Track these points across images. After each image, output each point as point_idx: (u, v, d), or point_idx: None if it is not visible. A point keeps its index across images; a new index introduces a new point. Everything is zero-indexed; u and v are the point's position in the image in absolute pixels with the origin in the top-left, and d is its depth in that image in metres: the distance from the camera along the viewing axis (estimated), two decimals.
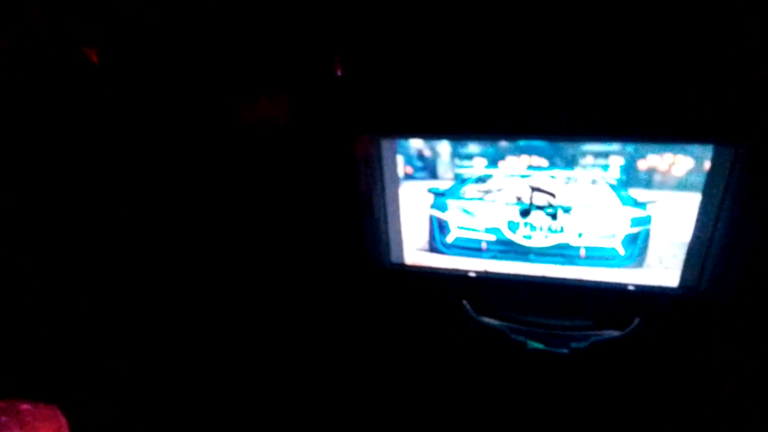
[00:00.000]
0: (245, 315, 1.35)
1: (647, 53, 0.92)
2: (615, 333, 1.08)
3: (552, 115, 0.98)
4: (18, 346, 1.26)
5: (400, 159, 1.11)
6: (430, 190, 1.13)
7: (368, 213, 1.18)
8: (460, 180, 1.09)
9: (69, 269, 1.30)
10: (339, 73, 1.07)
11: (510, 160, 1.04)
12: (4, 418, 1.04)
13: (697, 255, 1.03)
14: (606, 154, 0.98)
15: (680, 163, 0.96)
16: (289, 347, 1.36)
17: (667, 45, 0.90)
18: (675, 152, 0.95)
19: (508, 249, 1.15)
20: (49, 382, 1.23)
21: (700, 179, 0.96)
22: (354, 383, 1.32)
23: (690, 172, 0.96)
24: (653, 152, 0.96)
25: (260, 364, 1.37)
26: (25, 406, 1.07)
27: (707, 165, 0.94)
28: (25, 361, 1.26)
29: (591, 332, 1.09)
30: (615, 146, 0.97)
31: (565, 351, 1.08)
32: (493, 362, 1.17)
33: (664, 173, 0.97)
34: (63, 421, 1.09)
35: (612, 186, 1.01)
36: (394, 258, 1.25)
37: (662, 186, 0.99)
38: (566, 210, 1.06)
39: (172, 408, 1.34)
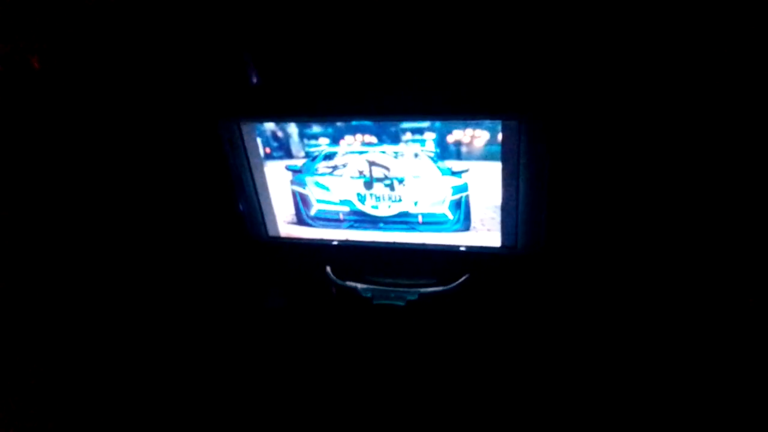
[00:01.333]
0: (143, 302, 1.50)
1: (442, 49, 1.11)
2: (443, 288, 1.26)
3: (371, 98, 1.16)
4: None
5: (258, 141, 1.28)
6: (287, 168, 1.30)
7: (241, 191, 1.35)
8: (311, 157, 1.27)
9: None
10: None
11: (347, 138, 1.21)
12: None
13: (509, 217, 1.21)
14: (421, 131, 1.17)
15: (480, 137, 1.14)
16: (183, 319, 1.50)
17: (458, 41, 1.09)
18: (473, 127, 1.13)
19: (361, 219, 1.32)
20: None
21: (497, 149, 1.14)
22: (238, 338, 1.47)
23: (489, 144, 1.14)
24: (457, 128, 1.14)
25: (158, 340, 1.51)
26: None
27: (500, 137, 1.13)
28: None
29: (423, 288, 1.27)
30: (426, 124, 1.15)
31: (399, 302, 1.25)
32: (349, 317, 1.34)
33: (469, 146, 1.16)
34: None
35: (431, 158, 1.19)
36: (270, 231, 1.41)
37: (471, 157, 1.17)
38: (400, 181, 1.24)
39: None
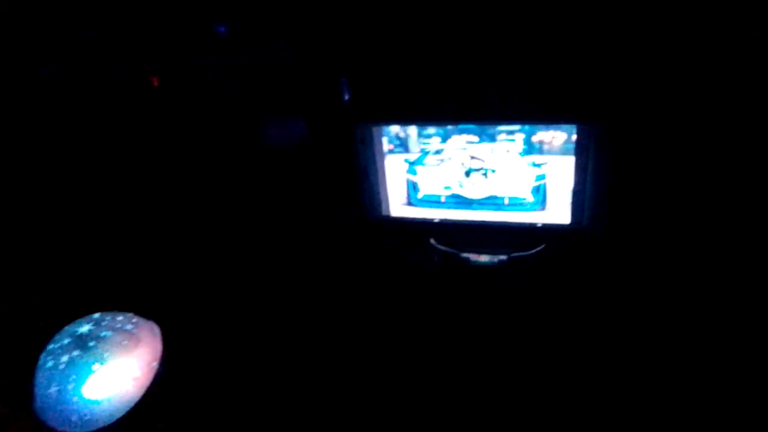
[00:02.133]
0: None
1: (531, 72, 1.50)
2: (525, 253, 1.63)
3: (476, 108, 1.56)
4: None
5: (384, 140, 1.69)
6: (405, 161, 1.70)
7: (365, 179, 1.76)
8: (424, 153, 1.67)
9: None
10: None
11: (454, 138, 1.61)
12: (93, 341, 1.51)
13: (577, 199, 1.58)
14: (512, 132, 1.56)
15: (558, 137, 1.52)
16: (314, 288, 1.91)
17: (545, 67, 1.49)
18: (554, 130, 1.52)
19: (458, 201, 1.71)
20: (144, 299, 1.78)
21: (572, 147, 1.52)
22: (357, 299, 1.86)
23: (566, 143, 1.52)
24: (541, 130, 1.53)
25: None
26: (123, 323, 1.55)
27: (574, 137, 1.51)
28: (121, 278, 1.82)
29: (510, 253, 1.64)
30: (517, 127, 1.54)
31: (493, 263, 1.63)
32: (450, 276, 1.72)
33: (549, 144, 1.54)
34: (159, 334, 1.56)
35: (519, 153, 1.58)
36: (383, 212, 1.81)
37: (550, 152, 1.55)
38: (493, 171, 1.63)
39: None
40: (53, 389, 1.42)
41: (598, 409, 1.42)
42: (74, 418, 1.38)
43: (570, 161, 1.54)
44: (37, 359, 1.46)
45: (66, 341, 1.50)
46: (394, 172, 1.73)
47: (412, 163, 1.70)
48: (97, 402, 1.41)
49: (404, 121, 1.64)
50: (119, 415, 1.41)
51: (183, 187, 1.87)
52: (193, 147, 1.85)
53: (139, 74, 1.95)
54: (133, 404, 1.43)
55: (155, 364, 1.48)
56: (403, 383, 1.56)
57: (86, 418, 1.39)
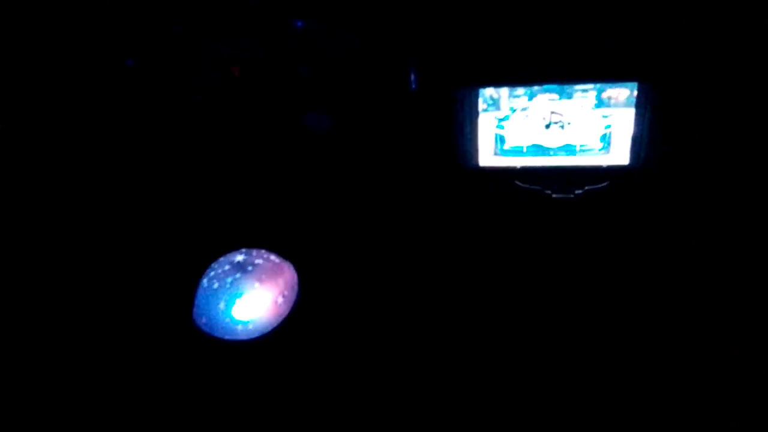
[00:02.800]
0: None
1: (600, 41, 1.95)
2: (595, 186, 2.06)
3: (556, 70, 2.00)
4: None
5: (480, 100, 2.12)
6: (495, 118, 2.13)
7: (463, 134, 2.17)
8: (512, 110, 2.10)
9: None
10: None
11: (539, 96, 2.05)
12: (250, 267, 1.87)
13: (635, 145, 2.02)
14: (586, 90, 2.00)
15: (621, 93, 1.97)
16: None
17: (615, 39, 1.94)
18: (619, 87, 1.97)
19: (537, 150, 2.13)
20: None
21: (633, 101, 1.97)
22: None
23: (628, 97, 1.97)
24: (609, 86, 1.98)
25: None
26: (267, 257, 1.91)
27: (635, 93, 1.96)
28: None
29: (585, 187, 2.07)
30: (590, 85, 1.99)
31: (569, 196, 2.05)
32: (535, 209, 2.13)
33: (615, 99, 1.99)
34: (294, 272, 1.91)
35: (591, 107, 2.02)
36: (477, 162, 2.22)
37: (615, 105, 2.00)
38: (569, 124, 2.06)
39: None
40: (212, 307, 1.77)
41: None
42: (226, 333, 1.73)
43: (631, 113, 1.98)
44: (198, 283, 1.80)
45: (226, 267, 1.86)
46: (486, 129, 2.15)
47: (501, 119, 2.12)
48: (244, 322, 1.75)
49: (497, 84, 2.07)
50: (259, 335, 1.75)
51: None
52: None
53: (221, 64, 2.35)
54: (272, 327, 1.76)
55: (291, 295, 1.81)
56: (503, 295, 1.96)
57: (234, 334, 1.73)
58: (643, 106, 1.96)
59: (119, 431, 1.68)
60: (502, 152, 2.17)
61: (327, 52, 2.24)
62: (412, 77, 2.19)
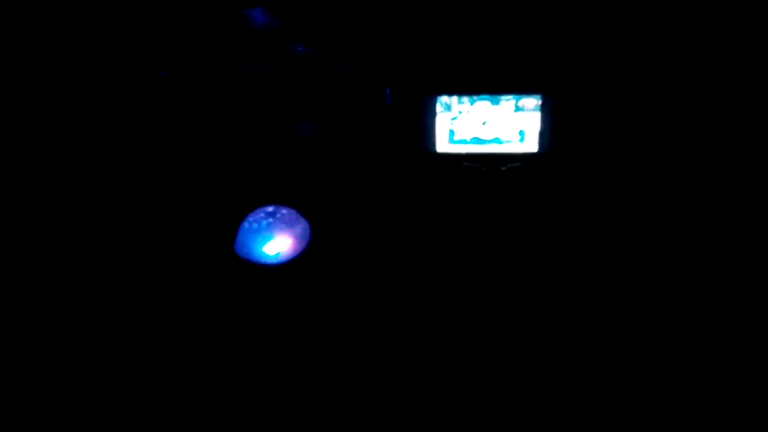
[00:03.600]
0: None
1: (520, 69, 2.93)
2: (513, 165, 3.05)
3: (489, 85, 2.96)
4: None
5: (437, 105, 3.04)
6: (448, 118, 3.06)
7: (426, 129, 3.09)
8: (459, 113, 3.04)
9: None
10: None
11: (477, 103, 3.00)
12: (278, 214, 2.76)
13: (541, 137, 3.02)
14: (508, 99, 2.97)
15: (531, 102, 2.96)
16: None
17: (531, 65, 2.92)
18: (528, 98, 2.96)
19: (477, 140, 3.09)
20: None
21: (538, 107, 2.96)
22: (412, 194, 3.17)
23: (535, 105, 2.96)
24: (523, 97, 2.96)
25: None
26: (289, 210, 2.79)
27: (539, 102, 2.95)
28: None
29: (507, 165, 3.05)
30: (510, 96, 2.97)
31: (497, 171, 3.03)
32: (473, 179, 3.09)
33: (527, 105, 2.97)
34: (306, 222, 2.80)
35: (513, 110, 3.00)
36: (435, 149, 3.14)
37: (528, 110, 2.98)
38: (498, 122, 3.03)
39: None
40: (251, 242, 2.60)
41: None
42: (260, 260, 2.58)
43: (537, 116, 2.98)
44: (240, 224, 2.62)
45: (261, 215, 2.70)
46: (441, 125, 3.09)
47: (452, 119, 3.06)
48: (273, 256, 2.61)
49: (449, 93, 3.01)
50: (282, 263, 2.61)
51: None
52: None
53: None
54: (290, 258, 2.63)
55: (304, 238, 2.70)
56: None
57: (265, 261, 2.59)
58: (544, 111, 2.96)
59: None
60: (452, 141, 3.11)
61: (323, 71, 3.10)
62: (387, 91, 3.09)
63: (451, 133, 3.09)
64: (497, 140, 3.06)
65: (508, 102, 2.98)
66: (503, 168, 3.06)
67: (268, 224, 2.64)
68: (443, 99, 3.03)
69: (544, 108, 2.95)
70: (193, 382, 2.14)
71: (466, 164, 3.10)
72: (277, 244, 2.57)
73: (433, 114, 3.05)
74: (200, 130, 3.17)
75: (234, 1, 2.91)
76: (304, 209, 2.70)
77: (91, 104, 2.98)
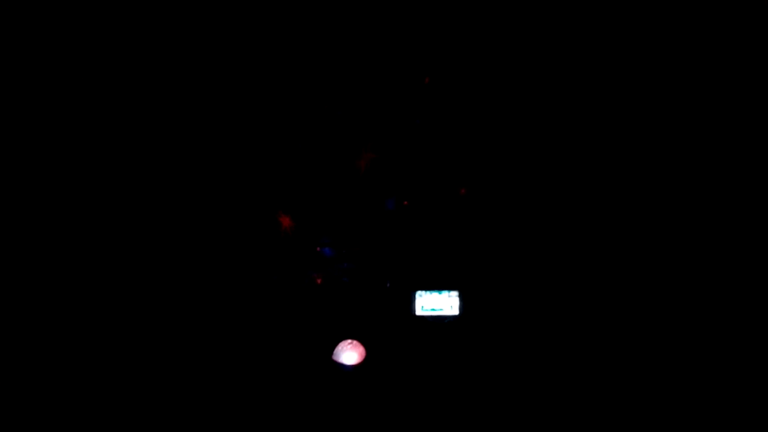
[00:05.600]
0: None
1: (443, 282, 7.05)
2: (452, 318, 7.04)
3: (434, 286, 7.05)
4: None
5: (416, 295, 7.09)
6: (419, 298, 7.09)
7: (411, 304, 7.07)
8: (422, 296, 7.09)
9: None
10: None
11: (431, 293, 7.07)
12: (351, 344, 6.65)
13: (460, 308, 7.05)
14: (443, 292, 7.06)
15: (454, 294, 7.05)
16: None
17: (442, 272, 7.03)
18: (451, 292, 7.06)
19: (432, 309, 7.09)
20: None
21: (457, 294, 7.03)
22: None
23: (457, 296, 7.05)
24: (451, 291, 7.06)
25: None
26: (354, 342, 6.69)
27: (457, 295, 7.04)
28: None
29: (447, 320, 7.04)
30: (446, 291, 7.06)
31: (443, 322, 7.00)
32: (433, 327, 7.03)
33: (453, 295, 7.05)
34: (362, 346, 6.71)
35: (448, 297, 7.06)
36: (415, 312, 7.10)
37: (453, 297, 7.06)
38: (441, 301, 7.07)
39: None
40: (338, 357, 6.57)
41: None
42: (343, 364, 6.52)
43: (457, 299, 7.06)
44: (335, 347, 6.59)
45: (344, 344, 6.67)
46: (418, 303, 7.11)
47: (420, 299, 7.11)
48: (348, 365, 6.59)
49: (420, 290, 7.09)
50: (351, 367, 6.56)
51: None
52: None
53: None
54: (355, 365, 6.58)
55: (363, 354, 6.64)
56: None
57: (346, 366, 6.55)
58: (460, 298, 7.04)
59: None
60: (422, 309, 7.12)
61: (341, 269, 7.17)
62: (388, 284, 7.15)
63: (422, 307, 7.12)
64: (441, 309, 7.09)
65: (447, 294, 7.06)
66: (446, 321, 7.05)
67: (347, 350, 6.53)
68: (417, 293, 7.11)
69: (459, 296, 7.04)
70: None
71: (429, 320, 7.09)
72: (351, 358, 6.44)
73: (414, 298, 7.10)
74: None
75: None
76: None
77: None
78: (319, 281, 6.98)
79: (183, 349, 4.22)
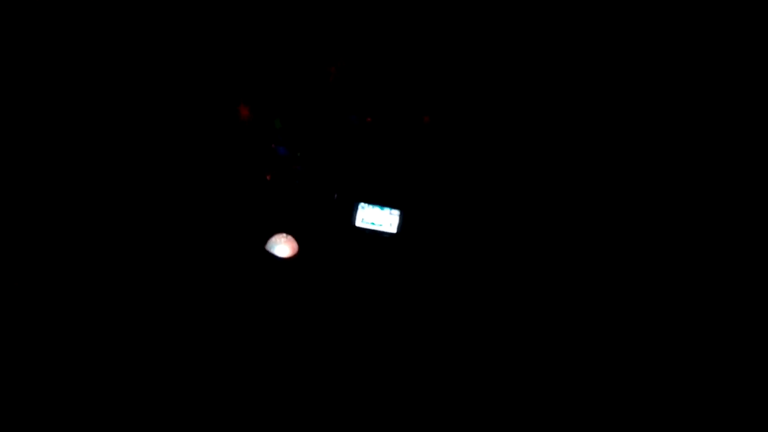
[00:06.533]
0: None
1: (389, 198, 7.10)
2: (389, 234, 7.15)
3: (379, 200, 7.11)
4: None
5: (358, 206, 7.15)
6: (361, 211, 7.16)
7: (351, 215, 7.15)
8: (363, 208, 7.16)
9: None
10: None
11: (372, 207, 7.14)
12: (285, 237, 6.76)
13: (400, 227, 7.15)
14: (385, 208, 7.13)
15: (395, 211, 7.12)
16: None
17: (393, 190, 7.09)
18: (392, 209, 7.13)
19: (373, 224, 7.18)
20: None
21: (398, 212, 7.12)
22: None
23: (399, 213, 7.12)
24: (390, 209, 7.13)
25: None
26: (289, 236, 6.80)
27: (398, 212, 7.12)
28: None
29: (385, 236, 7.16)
30: (387, 208, 7.12)
31: (381, 236, 7.11)
32: (372, 239, 7.16)
33: (394, 212, 7.13)
34: (295, 241, 6.83)
35: (389, 213, 7.14)
36: (355, 224, 7.18)
37: (394, 213, 7.13)
38: (382, 217, 7.16)
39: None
40: (271, 248, 6.65)
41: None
42: (274, 254, 6.61)
43: (397, 216, 7.14)
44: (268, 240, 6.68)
45: (279, 237, 6.76)
46: (358, 215, 7.18)
47: (363, 212, 7.17)
48: (282, 256, 6.67)
49: (362, 202, 7.14)
50: (284, 258, 6.67)
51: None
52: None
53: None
54: (288, 257, 6.70)
55: (295, 248, 6.75)
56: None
57: (277, 255, 6.64)
58: (402, 215, 7.12)
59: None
60: (363, 222, 7.19)
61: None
62: (336, 195, 7.19)
63: (363, 219, 7.19)
64: (381, 225, 7.18)
65: (388, 209, 7.13)
66: (385, 236, 7.15)
67: (282, 243, 6.62)
68: (361, 204, 7.16)
69: (400, 215, 7.12)
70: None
71: (367, 232, 7.18)
72: (284, 250, 6.53)
73: (356, 209, 7.16)
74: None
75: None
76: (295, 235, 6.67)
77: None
78: (268, 177, 6.98)
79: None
